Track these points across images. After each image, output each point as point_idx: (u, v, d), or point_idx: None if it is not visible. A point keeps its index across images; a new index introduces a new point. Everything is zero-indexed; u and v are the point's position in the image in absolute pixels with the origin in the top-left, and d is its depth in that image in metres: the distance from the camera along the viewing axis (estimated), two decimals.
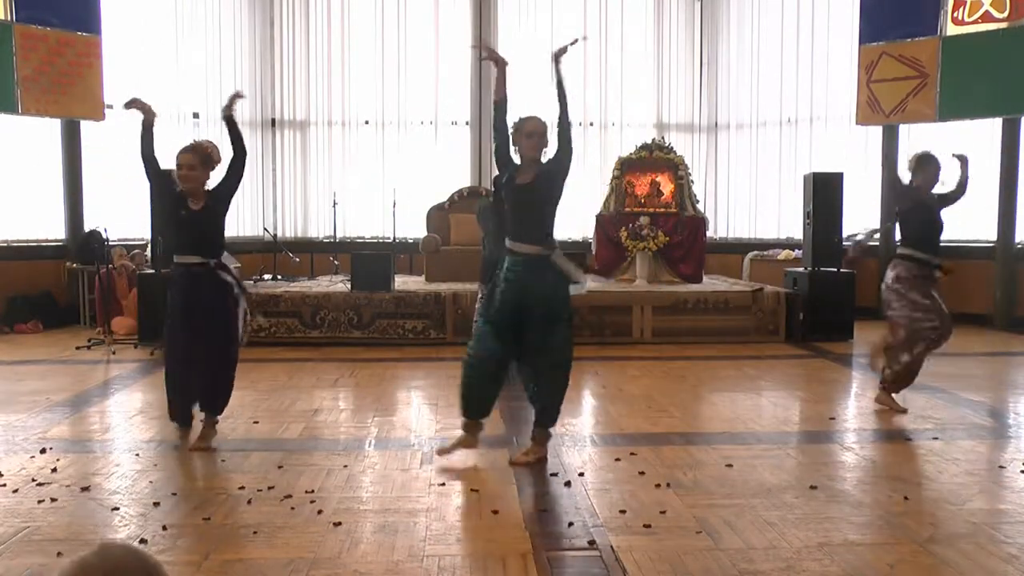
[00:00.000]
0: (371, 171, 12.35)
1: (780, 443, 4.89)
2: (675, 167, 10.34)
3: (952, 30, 10.00)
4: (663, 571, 3.06)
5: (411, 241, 11.21)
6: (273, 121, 12.46)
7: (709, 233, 10.94)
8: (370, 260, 9.00)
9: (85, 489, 3.95)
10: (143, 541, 3.30)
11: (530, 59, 12.30)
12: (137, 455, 4.59)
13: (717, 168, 12.73)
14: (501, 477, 4.20)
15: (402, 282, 9.60)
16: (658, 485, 4.02)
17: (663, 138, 11.10)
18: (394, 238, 11.13)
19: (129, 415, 5.64)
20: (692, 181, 10.67)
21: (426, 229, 10.82)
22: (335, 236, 11.33)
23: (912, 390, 6.41)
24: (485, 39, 12.25)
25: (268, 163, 12.49)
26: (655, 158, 10.35)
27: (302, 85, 12.41)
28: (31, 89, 9.61)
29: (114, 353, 8.02)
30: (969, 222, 10.48)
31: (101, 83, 10.12)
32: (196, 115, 11.83)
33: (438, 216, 10.85)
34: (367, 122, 12.41)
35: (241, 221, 12.13)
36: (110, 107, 10.35)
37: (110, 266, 9.15)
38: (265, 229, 11.86)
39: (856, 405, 6.20)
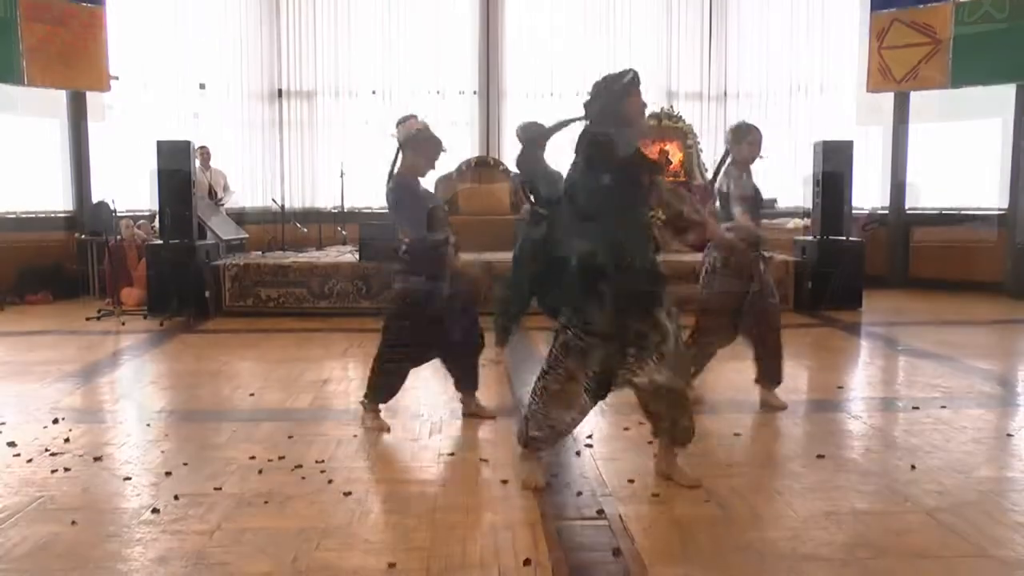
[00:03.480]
0: (379, 141, 12.27)
1: (788, 412, 4.89)
2: (684, 136, 10.31)
3: None
4: (671, 540, 3.08)
5: None
6: (280, 91, 12.39)
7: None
8: (378, 230, 8.98)
9: (98, 459, 3.99)
10: (155, 510, 3.33)
11: (534, 31, 12.25)
12: (148, 425, 4.63)
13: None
14: (510, 447, 4.22)
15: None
16: None
17: (672, 107, 11.02)
18: None
19: (140, 385, 5.69)
20: (701, 150, 10.62)
21: None
22: (343, 206, 11.31)
23: (920, 358, 6.41)
24: (491, 8, 12.15)
25: (275, 134, 12.45)
26: (664, 127, 10.31)
27: (308, 55, 12.33)
28: (36, 60, 9.58)
29: (124, 324, 8.06)
30: (979, 190, 10.45)
31: (106, 54, 10.09)
32: (202, 86, 11.79)
33: (446, 186, 10.82)
34: (374, 92, 12.34)
35: (249, 192, 12.12)
36: (115, 78, 10.32)
37: (119, 237, 9.17)
38: (273, 200, 11.85)
39: (864, 374, 6.20)
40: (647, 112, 3.70)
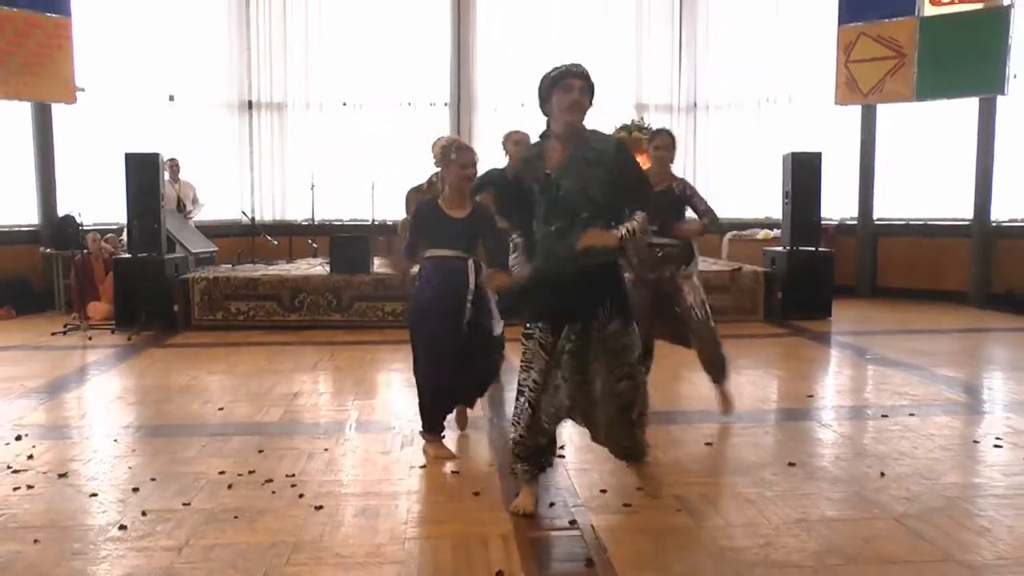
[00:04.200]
0: (349, 153, 12.27)
1: (758, 421, 4.92)
2: None
3: (929, 11, 10.05)
4: (643, 549, 3.08)
5: (390, 223, 11.16)
6: (250, 103, 12.34)
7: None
8: (349, 242, 8.96)
9: (62, 475, 3.92)
10: (122, 527, 3.28)
11: (505, 43, 12.29)
12: (115, 441, 4.56)
13: (696, 148, 12.74)
14: (482, 459, 4.21)
15: (381, 264, 9.56)
16: None
17: (642, 118, 11.09)
18: (372, 220, 11.08)
19: (107, 401, 5.60)
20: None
21: (405, 211, 10.76)
22: (313, 219, 11.25)
23: (889, 367, 6.48)
24: (463, 21, 12.18)
25: (245, 146, 12.38)
26: (634, 138, 10.33)
27: (279, 66, 12.28)
28: None
29: (90, 339, 7.95)
30: (945, 200, 10.62)
31: (72, 65, 9.94)
32: (172, 97, 11.70)
33: (416, 198, 10.77)
34: (345, 104, 12.32)
35: (219, 204, 12.03)
36: (82, 90, 10.20)
37: (86, 251, 9.06)
38: (243, 212, 11.77)
39: (834, 383, 6.25)
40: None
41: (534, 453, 3.49)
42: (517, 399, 3.50)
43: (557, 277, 3.41)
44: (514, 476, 3.56)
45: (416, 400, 4.34)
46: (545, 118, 3.52)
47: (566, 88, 3.37)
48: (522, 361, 3.50)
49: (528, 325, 3.49)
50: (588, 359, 3.44)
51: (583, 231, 3.33)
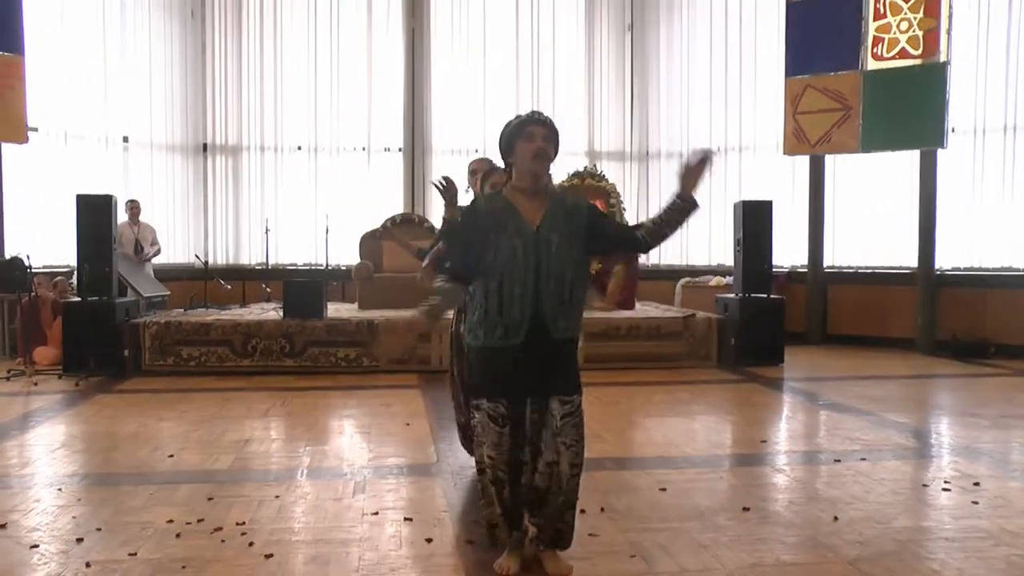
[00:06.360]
0: (304, 197, 12.26)
1: (713, 466, 4.95)
2: (607, 195, 10.46)
3: (872, 65, 10.37)
4: None
5: (344, 268, 11.13)
6: (204, 146, 12.30)
7: (641, 260, 11.07)
8: (302, 287, 8.89)
9: (1, 527, 3.79)
10: None
11: (459, 91, 12.43)
12: (59, 490, 4.43)
13: (648, 196, 12.94)
14: (434, 506, 4.16)
15: (334, 309, 9.51)
16: (592, 510, 4.02)
17: (595, 166, 11.24)
18: (327, 265, 11.04)
19: (51, 448, 5.45)
20: (624, 208, 10.81)
21: (359, 256, 10.77)
22: (267, 263, 11.18)
23: (841, 412, 6.57)
24: (417, 68, 12.31)
25: (199, 189, 12.31)
26: (587, 186, 10.45)
27: (234, 110, 12.29)
28: None
29: (36, 384, 7.76)
30: (891, 249, 10.88)
31: (24, 104, 9.82)
32: (126, 139, 11.61)
33: (371, 243, 10.81)
34: (300, 148, 12.34)
35: (172, 248, 11.90)
36: (34, 130, 10.07)
37: (33, 294, 8.87)
38: (196, 256, 11.66)
39: (787, 428, 6.31)
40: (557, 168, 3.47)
41: (510, 521, 3.32)
42: (479, 477, 3.34)
43: (519, 348, 3.22)
44: (495, 546, 3.36)
45: None
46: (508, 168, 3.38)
47: (528, 137, 3.22)
48: (475, 436, 3.35)
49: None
50: (551, 432, 3.26)
51: (567, 290, 3.22)
